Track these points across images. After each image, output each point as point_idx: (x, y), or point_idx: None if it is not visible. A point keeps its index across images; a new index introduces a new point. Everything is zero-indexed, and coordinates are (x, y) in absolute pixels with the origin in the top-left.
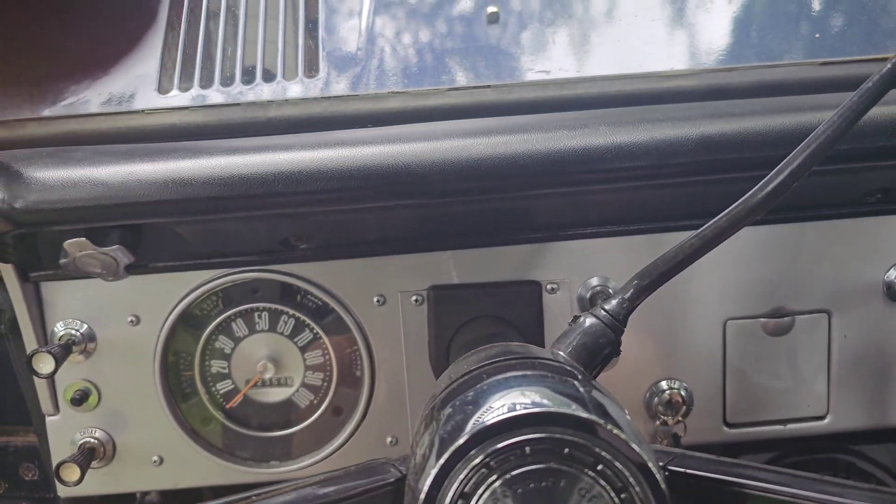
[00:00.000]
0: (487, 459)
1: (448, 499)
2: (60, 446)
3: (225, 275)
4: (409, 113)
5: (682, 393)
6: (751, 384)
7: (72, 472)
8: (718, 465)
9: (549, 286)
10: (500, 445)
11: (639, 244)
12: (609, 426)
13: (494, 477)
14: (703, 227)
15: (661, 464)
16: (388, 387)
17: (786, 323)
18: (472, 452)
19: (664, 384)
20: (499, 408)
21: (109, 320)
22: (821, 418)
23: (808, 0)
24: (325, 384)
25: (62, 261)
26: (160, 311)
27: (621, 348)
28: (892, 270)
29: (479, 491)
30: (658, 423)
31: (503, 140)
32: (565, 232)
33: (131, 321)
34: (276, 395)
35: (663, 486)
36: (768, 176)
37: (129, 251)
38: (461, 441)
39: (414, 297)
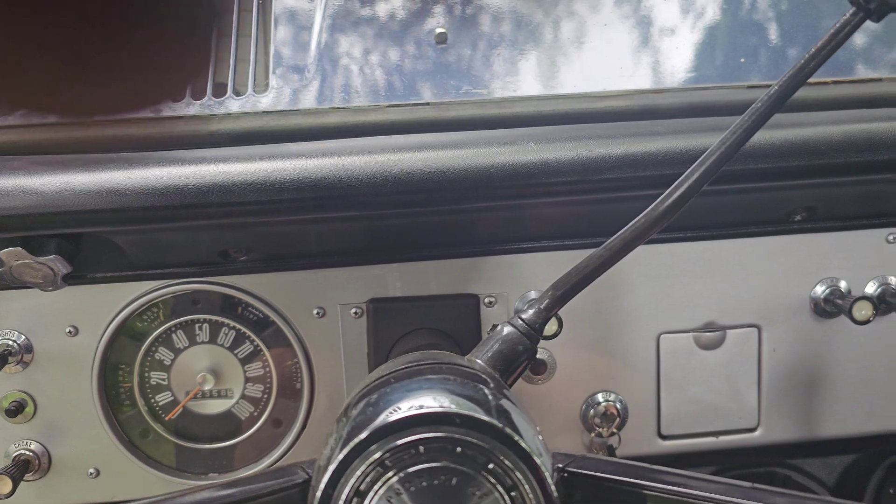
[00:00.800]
0: (384, 457)
1: (343, 496)
2: None
3: (165, 286)
4: (349, 128)
5: (618, 405)
6: (684, 397)
7: (3, 485)
8: (618, 466)
9: (486, 299)
10: (396, 443)
11: (575, 259)
12: (502, 427)
13: (390, 474)
14: (610, 239)
15: (560, 465)
16: (327, 399)
17: (717, 337)
18: (370, 449)
19: (600, 396)
20: (402, 409)
21: (47, 331)
22: (752, 430)
23: (738, 29)
24: (265, 396)
25: None
26: (99, 322)
27: (557, 361)
28: (818, 287)
29: (375, 488)
30: (593, 434)
31: (434, 155)
32: (503, 246)
33: (70, 332)
34: (215, 406)
35: (552, 485)
36: (667, 192)
37: (66, 261)
38: (359, 438)
39: (353, 310)
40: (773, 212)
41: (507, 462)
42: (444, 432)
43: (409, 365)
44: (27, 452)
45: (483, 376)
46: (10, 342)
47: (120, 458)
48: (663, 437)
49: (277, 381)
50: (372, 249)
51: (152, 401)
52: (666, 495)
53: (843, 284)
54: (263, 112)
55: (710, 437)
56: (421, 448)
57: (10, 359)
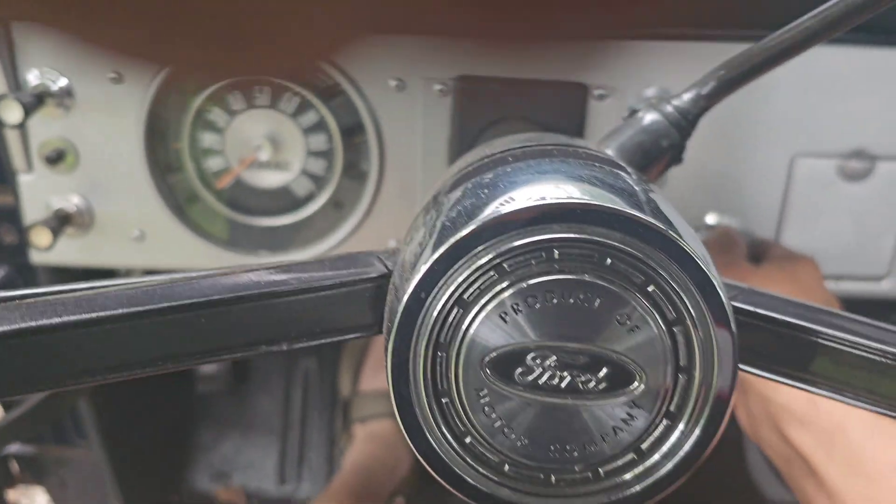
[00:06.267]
0: (500, 259)
1: (440, 305)
2: (35, 209)
3: None
4: None
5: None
6: (809, 231)
7: (43, 236)
8: (792, 306)
9: (597, 91)
10: (519, 242)
11: (715, 55)
12: (674, 236)
13: (506, 284)
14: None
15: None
16: (397, 184)
17: (863, 167)
18: (481, 248)
19: (710, 218)
20: (535, 196)
21: (88, 74)
22: (878, 279)
23: None
24: (328, 174)
25: None
26: (146, 69)
27: (669, 171)
28: None
29: (483, 300)
30: None
31: None
32: (626, 29)
33: (113, 78)
34: (271, 179)
35: (734, 327)
36: None
37: None
38: (467, 231)
39: (438, 86)
40: None
41: (675, 285)
42: (593, 235)
43: (527, 145)
44: (68, 205)
45: (626, 168)
46: (50, 82)
47: (166, 222)
48: None
49: (343, 158)
50: (468, 16)
51: (203, 165)
52: (847, 348)
53: None
54: None
55: (829, 280)
56: (555, 252)
57: (48, 100)
